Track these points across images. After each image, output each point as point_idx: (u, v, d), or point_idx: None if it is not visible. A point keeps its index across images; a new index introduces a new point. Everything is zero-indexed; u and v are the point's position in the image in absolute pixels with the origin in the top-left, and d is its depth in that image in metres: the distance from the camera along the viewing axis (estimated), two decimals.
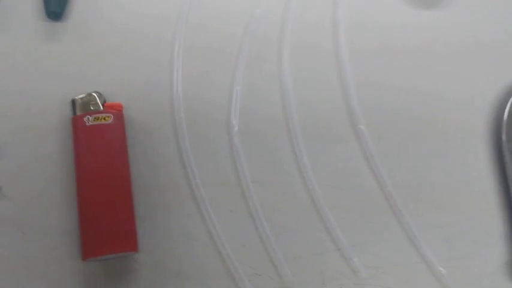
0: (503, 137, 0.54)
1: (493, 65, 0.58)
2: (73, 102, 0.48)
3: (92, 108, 0.48)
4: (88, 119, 0.47)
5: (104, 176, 0.46)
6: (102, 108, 0.48)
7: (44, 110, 0.49)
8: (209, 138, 0.51)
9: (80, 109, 0.48)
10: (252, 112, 0.53)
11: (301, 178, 0.51)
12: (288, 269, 0.48)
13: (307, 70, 0.55)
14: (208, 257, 0.48)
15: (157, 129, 0.51)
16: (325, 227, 0.50)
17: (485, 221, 0.53)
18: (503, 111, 0.55)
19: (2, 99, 0.49)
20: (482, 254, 0.52)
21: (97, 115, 0.47)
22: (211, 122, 0.52)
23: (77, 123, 0.47)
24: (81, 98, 0.48)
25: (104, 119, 0.47)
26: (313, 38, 0.56)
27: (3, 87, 0.50)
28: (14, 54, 0.51)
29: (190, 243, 0.48)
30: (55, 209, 0.47)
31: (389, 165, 0.53)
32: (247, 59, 0.54)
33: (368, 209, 0.52)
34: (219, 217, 0.49)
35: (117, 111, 0.49)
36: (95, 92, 0.49)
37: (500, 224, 0.53)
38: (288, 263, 0.49)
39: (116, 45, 0.53)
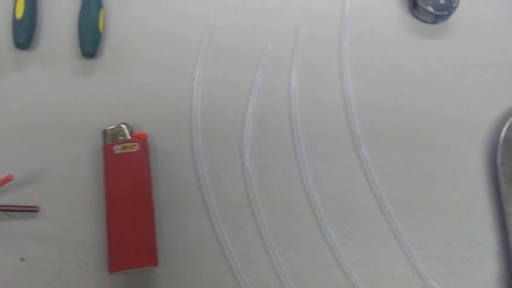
0: (498, 160, 0.58)
1: (492, 89, 0.62)
2: (104, 132, 0.55)
3: (120, 138, 0.55)
4: (117, 148, 0.54)
5: (129, 198, 0.52)
6: (129, 137, 0.55)
7: (78, 139, 0.56)
8: (223, 163, 0.57)
9: (110, 139, 0.55)
10: (263, 139, 0.58)
11: (307, 199, 0.56)
12: (293, 283, 0.53)
13: (314, 99, 0.60)
14: (220, 271, 0.53)
15: (177, 154, 0.57)
16: (327, 244, 0.55)
17: (479, 240, 0.57)
18: (499, 135, 0.59)
19: (43, 130, 0.56)
20: (476, 270, 0.56)
21: (125, 144, 0.54)
22: (225, 148, 0.58)
23: (107, 151, 0.54)
24: (111, 129, 0.55)
25: (131, 147, 0.54)
26: (320, 70, 0.62)
27: (44, 118, 0.57)
28: (53, 89, 0.58)
29: (205, 258, 0.54)
30: (86, 227, 0.53)
31: (389, 187, 0.57)
32: (259, 90, 0.60)
33: (368, 228, 0.56)
34: (231, 234, 0.54)
35: (142, 140, 0.55)
36: (123, 124, 0.55)
37: (494, 242, 0.57)
38: (292, 277, 0.54)
39: (141, 81, 0.59)
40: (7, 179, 0.51)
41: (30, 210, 0.53)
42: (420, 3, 0.62)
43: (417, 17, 0.64)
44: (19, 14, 0.57)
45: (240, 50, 0.61)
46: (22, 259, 0.52)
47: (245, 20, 0.63)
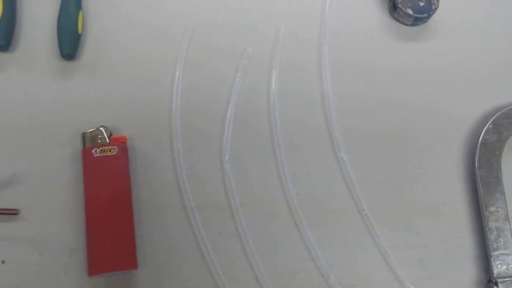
0: (476, 164, 0.58)
1: (471, 92, 0.63)
2: (83, 135, 0.55)
3: (99, 141, 0.54)
4: (96, 151, 0.54)
5: (108, 201, 0.52)
6: (108, 141, 0.55)
7: (57, 142, 0.56)
8: (203, 165, 0.57)
9: (89, 142, 0.54)
10: (242, 142, 0.58)
11: (286, 201, 0.57)
12: (271, 285, 0.54)
13: (293, 102, 0.61)
14: (200, 274, 0.54)
15: (157, 157, 0.57)
16: (306, 247, 0.56)
17: (456, 243, 0.57)
18: (478, 139, 0.59)
19: (22, 132, 0.56)
20: (453, 274, 0.56)
21: (103, 147, 0.54)
22: (205, 151, 0.58)
23: (85, 154, 0.54)
24: (90, 132, 0.55)
25: (110, 151, 0.54)
26: (300, 73, 0.62)
27: (23, 120, 0.56)
28: (32, 91, 0.58)
29: (184, 260, 0.54)
30: (66, 229, 0.53)
31: (367, 190, 0.58)
32: (239, 92, 0.60)
33: (346, 231, 0.57)
34: (210, 237, 0.54)
35: (121, 143, 0.55)
36: (102, 127, 0.55)
37: (472, 246, 0.57)
38: (271, 280, 0.54)
39: (121, 83, 0.59)
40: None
41: (10, 213, 0.53)
42: (400, 6, 0.62)
43: (397, 19, 0.64)
44: None
45: (219, 52, 0.61)
46: (2, 262, 0.52)
47: (225, 22, 0.63)
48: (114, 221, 0.52)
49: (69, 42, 0.58)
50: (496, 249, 0.56)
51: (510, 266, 0.55)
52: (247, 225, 0.55)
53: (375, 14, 0.65)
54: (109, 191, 0.53)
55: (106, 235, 0.52)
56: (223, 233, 0.55)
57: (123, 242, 0.52)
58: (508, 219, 0.57)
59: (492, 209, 0.57)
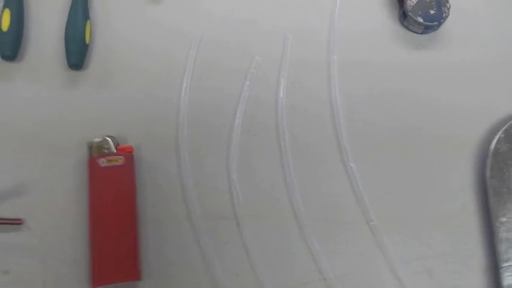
0: (487, 174, 0.57)
1: (482, 101, 0.62)
2: (89, 145, 0.55)
3: (105, 151, 0.54)
4: (102, 161, 0.54)
5: (113, 212, 0.52)
6: (115, 151, 0.55)
7: (63, 151, 0.56)
8: (210, 176, 0.57)
9: (95, 152, 0.54)
10: (249, 151, 0.58)
11: (293, 212, 0.56)
12: None
13: (302, 111, 0.60)
14: (205, 285, 0.53)
15: (163, 167, 0.57)
16: (313, 258, 0.55)
17: (466, 254, 0.56)
18: (488, 148, 0.58)
19: (29, 142, 0.56)
20: (463, 285, 0.55)
21: (110, 157, 0.54)
22: (212, 161, 0.58)
23: (92, 164, 0.54)
24: (96, 142, 0.55)
25: (116, 161, 0.54)
26: (308, 82, 0.61)
27: (29, 130, 0.56)
28: (39, 100, 0.58)
29: (189, 271, 0.53)
30: (70, 240, 0.53)
31: (376, 200, 0.57)
32: (247, 102, 0.60)
33: (354, 242, 0.56)
34: (216, 248, 0.54)
35: (128, 153, 0.55)
36: (109, 136, 0.55)
37: (481, 257, 0.56)
38: None
39: (128, 93, 0.59)
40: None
41: (15, 222, 0.53)
42: (410, 14, 0.62)
43: (407, 27, 0.64)
44: (5, 26, 0.57)
45: (228, 62, 0.61)
46: (6, 272, 0.52)
47: (233, 32, 0.63)
48: (118, 231, 0.52)
49: (77, 52, 0.58)
50: (506, 261, 0.55)
51: None
52: (254, 236, 0.55)
53: (385, 22, 0.64)
54: (114, 201, 0.53)
55: (110, 246, 0.52)
56: (228, 243, 0.55)
57: (127, 253, 0.52)
58: None
59: (503, 219, 0.56)
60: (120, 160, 0.54)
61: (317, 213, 0.56)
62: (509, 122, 0.59)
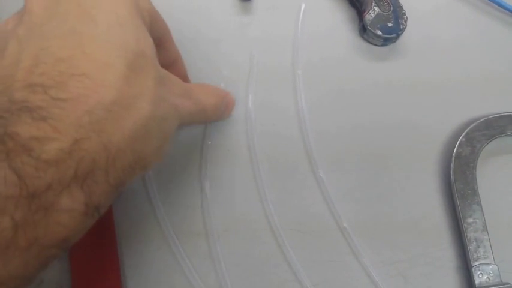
0: (452, 177, 0.59)
1: (443, 107, 0.64)
2: None
3: None
4: None
5: (92, 234, 0.52)
6: None
7: None
8: (182, 191, 0.58)
9: None
10: (221, 165, 0.59)
11: (268, 224, 0.57)
12: None
13: (271, 125, 0.61)
14: None
15: (135, 187, 0.58)
16: (290, 268, 0.56)
17: (437, 256, 0.58)
18: (452, 153, 0.60)
19: None
20: (436, 286, 0.57)
21: None
22: (184, 176, 0.58)
23: None
24: None
25: None
26: (276, 97, 0.63)
27: None
28: None
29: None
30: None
31: (347, 208, 0.58)
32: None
33: (328, 249, 0.57)
34: (196, 265, 0.55)
35: None
36: None
37: (452, 257, 0.58)
38: None
39: None
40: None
41: None
42: (369, 27, 0.64)
43: (367, 41, 0.66)
44: None
45: (195, 77, 0.62)
46: None
47: (200, 51, 0.64)
48: (98, 253, 0.52)
49: None
50: (476, 260, 0.57)
51: (491, 275, 0.56)
52: (229, 250, 0.56)
53: (347, 36, 0.66)
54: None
55: (91, 268, 0.52)
56: (207, 259, 0.55)
57: (107, 276, 0.52)
58: (486, 230, 0.58)
59: (470, 220, 0.58)
60: None
61: (291, 224, 0.58)
62: (470, 127, 0.61)
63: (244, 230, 0.57)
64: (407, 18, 0.65)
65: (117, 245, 0.53)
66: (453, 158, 0.60)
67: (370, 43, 0.66)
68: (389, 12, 0.65)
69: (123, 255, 0.54)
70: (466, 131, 0.61)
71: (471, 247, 0.57)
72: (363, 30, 0.65)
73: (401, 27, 0.64)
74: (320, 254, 0.57)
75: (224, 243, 0.56)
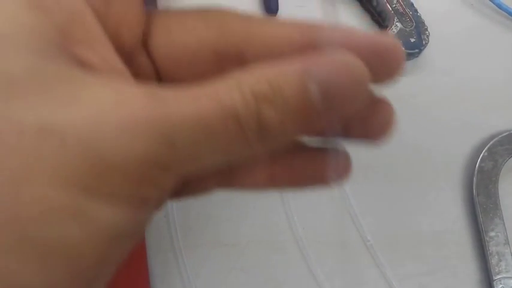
0: (474, 191, 0.60)
1: (465, 122, 0.65)
2: None
3: None
4: None
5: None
6: None
7: None
8: (207, 202, 0.59)
9: None
10: None
11: (293, 236, 0.58)
12: None
13: None
14: None
15: None
16: (315, 279, 0.57)
17: (460, 268, 0.59)
18: (474, 167, 0.61)
19: None
20: None
21: None
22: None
23: None
24: None
25: None
26: None
27: None
28: None
29: None
30: None
31: (371, 221, 0.59)
32: None
33: (352, 262, 0.58)
34: (221, 275, 0.56)
35: None
36: None
37: (474, 271, 0.59)
38: None
39: None
40: None
41: None
42: None
43: None
44: None
45: None
46: None
47: None
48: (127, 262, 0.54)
49: None
50: (498, 273, 0.57)
51: None
52: (255, 261, 0.57)
53: None
54: None
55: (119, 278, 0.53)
56: (233, 269, 0.57)
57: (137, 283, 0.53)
58: (508, 243, 0.58)
59: (492, 234, 0.59)
60: None
61: (315, 235, 0.59)
62: (492, 141, 0.62)
63: (268, 240, 0.58)
64: (429, 33, 0.66)
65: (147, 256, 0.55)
66: (475, 172, 0.61)
67: None
68: (411, 28, 0.66)
69: (152, 265, 0.55)
70: (488, 146, 0.62)
71: (493, 261, 0.58)
72: None
73: (424, 43, 0.65)
74: (343, 266, 0.58)
75: (248, 254, 0.57)
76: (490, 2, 0.70)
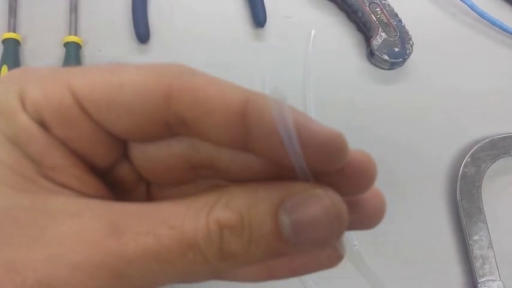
0: (458, 196, 0.62)
1: (448, 128, 0.66)
2: None
3: None
4: None
5: None
6: None
7: None
8: None
9: None
10: None
11: None
12: None
13: None
14: None
15: None
16: (302, 284, 0.58)
17: (445, 272, 0.60)
18: (458, 173, 0.63)
19: None
20: None
21: None
22: None
23: None
24: None
25: None
26: None
27: None
28: None
29: None
30: None
31: None
32: None
33: (339, 266, 0.59)
34: None
35: None
36: None
37: (459, 274, 0.60)
38: None
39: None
40: None
41: None
42: (376, 52, 0.67)
43: (374, 64, 0.69)
44: None
45: None
46: None
47: (214, 73, 0.67)
48: None
49: None
50: (482, 276, 0.58)
51: None
52: None
53: (355, 61, 0.69)
54: None
55: None
56: None
57: None
58: (492, 247, 0.60)
59: (476, 237, 0.60)
60: None
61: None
62: (475, 147, 0.64)
63: None
64: (413, 43, 0.67)
65: None
66: (459, 178, 0.62)
67: (378, 67, 0.69)
68: (395, 38, 0.67)
69: None
70: (471, 151, 0.63)
71: (477, 264, 0.59)
72: (371, 54, 0.68)
73: (408, 52, 0.67)
74: (330, 271, 0.59)
75: None
76: (472, 12, 0.72)
